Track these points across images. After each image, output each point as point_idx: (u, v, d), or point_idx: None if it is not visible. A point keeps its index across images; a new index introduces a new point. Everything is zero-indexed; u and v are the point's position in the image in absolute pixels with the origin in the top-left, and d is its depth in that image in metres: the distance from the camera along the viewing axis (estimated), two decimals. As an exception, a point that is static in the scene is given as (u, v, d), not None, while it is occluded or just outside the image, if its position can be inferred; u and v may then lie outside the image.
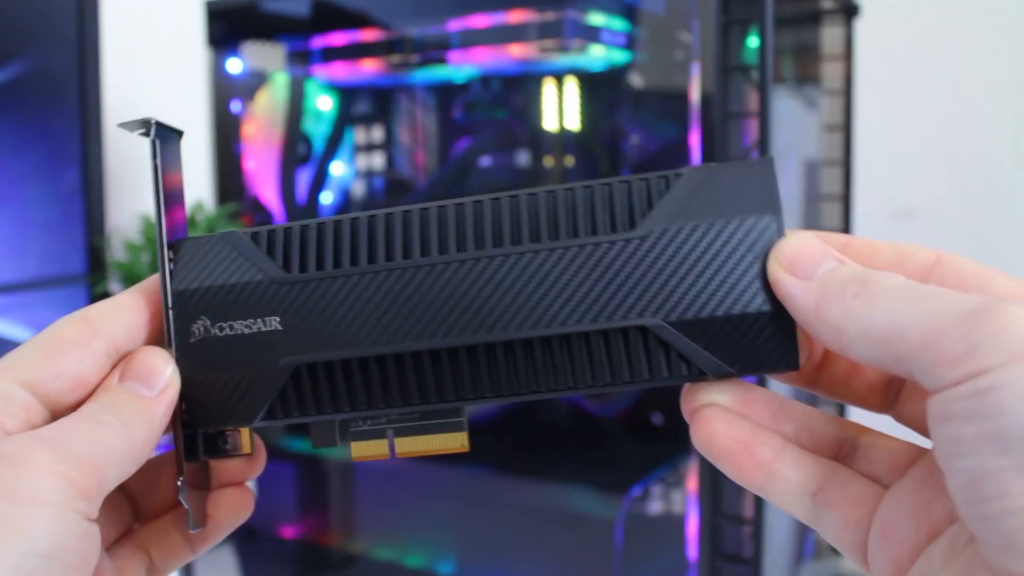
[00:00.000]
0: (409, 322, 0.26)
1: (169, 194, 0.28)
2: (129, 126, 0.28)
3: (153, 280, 0.29)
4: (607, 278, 0.25)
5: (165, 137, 0.28)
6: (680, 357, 0.25)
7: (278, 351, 0.27)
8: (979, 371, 0.19)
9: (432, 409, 0.27)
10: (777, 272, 0.24)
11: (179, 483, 0.28)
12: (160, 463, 0.31)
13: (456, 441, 0.28)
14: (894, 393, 0.26)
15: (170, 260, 0.28)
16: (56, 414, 0.26)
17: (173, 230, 0.29)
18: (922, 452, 0.25)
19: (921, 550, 0.23)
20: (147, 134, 0.28)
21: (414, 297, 0.26)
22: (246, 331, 0.27)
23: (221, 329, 0.27)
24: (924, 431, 0.25)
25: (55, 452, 0.24)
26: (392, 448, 0.28)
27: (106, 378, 0.27)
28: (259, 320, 0.27)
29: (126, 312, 0.28)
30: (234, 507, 0.31)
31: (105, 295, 0.77)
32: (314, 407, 0.27)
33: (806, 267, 0.24)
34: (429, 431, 0.28)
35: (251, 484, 0.33)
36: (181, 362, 0.28)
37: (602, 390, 0.26)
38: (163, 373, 0.27)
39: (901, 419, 0.26)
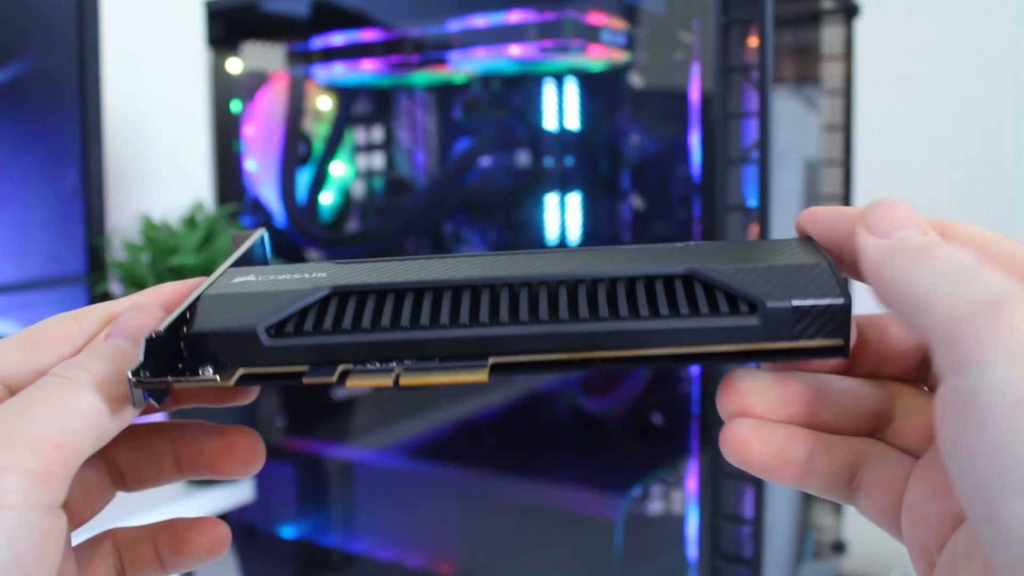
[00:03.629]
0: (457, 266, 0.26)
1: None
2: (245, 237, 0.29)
3: (158, 292, 0.27)
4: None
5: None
6: (726, 295, 0.24)
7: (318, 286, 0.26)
8: (971, 362, 0.18)
9: (459, 353, 0.25)
10: (859, 230, 0.24)
11: (130, 372, 0.23)
12: (150, 432, 0.28)
13: (476, 375, 0.24)
14: (921, 383, 0.27)
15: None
16: None
17: None
18: None
19: (947, 536, 0.22)
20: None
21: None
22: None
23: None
24: None
25: (3, 440, 0.20)
26: (397, 380, 0.24)
27: (93, 338, 0.25)
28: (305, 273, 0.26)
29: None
30: (209, 544, 0.28)
31: (105, 295, 0.77)
32: (332, 327, 0.25)
33: (884, 226, 0.23)
34: (446, 371, 0.25)
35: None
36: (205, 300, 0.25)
37: (641, 326, 0.24)
38: (149, 328, 0.24)
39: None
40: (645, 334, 0.24)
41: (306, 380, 0.24)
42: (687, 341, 0.24)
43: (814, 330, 0.24)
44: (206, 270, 0.73)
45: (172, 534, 0.28)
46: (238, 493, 0.78)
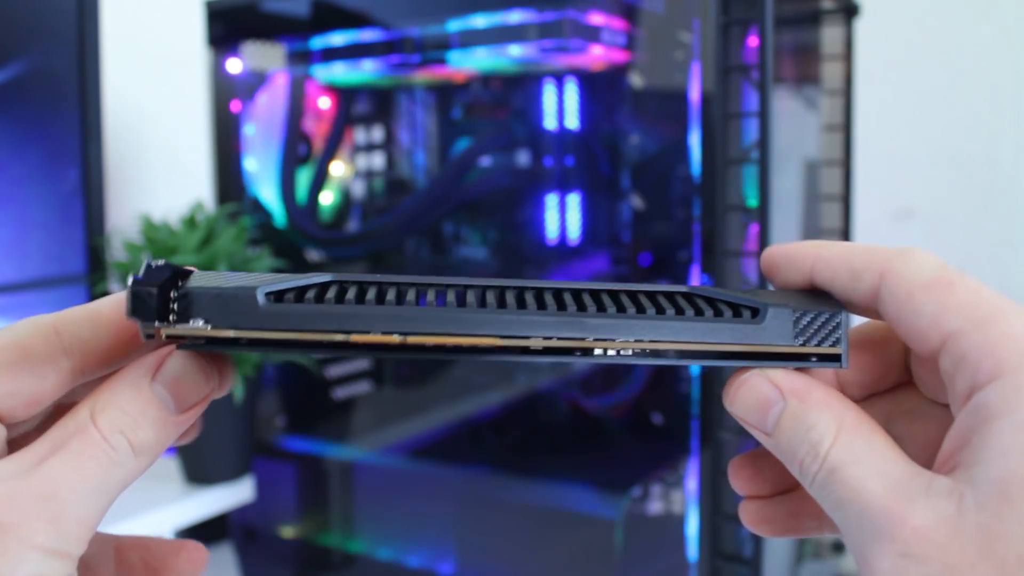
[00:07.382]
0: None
1: None
2: None
3: None
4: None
5: None
6: (729, 304, 0.26)
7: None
8: None
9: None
10: (754, 432, 0.26)
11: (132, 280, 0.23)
12: (125, 546, 0.29)
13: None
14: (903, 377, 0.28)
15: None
16: (5, 424, 0.24)
17: None
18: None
19: None
20: None
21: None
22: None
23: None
24: (939, 396, 0.26)
25: (56, 525, 0.22)
26: (405, 340, 0.24)
27: (134, 365, 0.24)
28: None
29: (105, 330, 0.25)
30: (191, 563, 0.29)
31: (105, 295, 0.77)
32: (330, 301, 0.24)
33: (756, 418, 0.25)
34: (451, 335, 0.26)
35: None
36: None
37: (644, 321, 0.25)
38: (200, 391, 0.24)
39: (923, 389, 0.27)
40: (646, 326, 0.25)
41: (310, 336, 0.24)
42: (692, 337, 0.25)
43: (814, 338, 0.25)
44: (206, 270, 0.73)
45: (150, 554, 0.28)
46: (238, 493, 0.78)
